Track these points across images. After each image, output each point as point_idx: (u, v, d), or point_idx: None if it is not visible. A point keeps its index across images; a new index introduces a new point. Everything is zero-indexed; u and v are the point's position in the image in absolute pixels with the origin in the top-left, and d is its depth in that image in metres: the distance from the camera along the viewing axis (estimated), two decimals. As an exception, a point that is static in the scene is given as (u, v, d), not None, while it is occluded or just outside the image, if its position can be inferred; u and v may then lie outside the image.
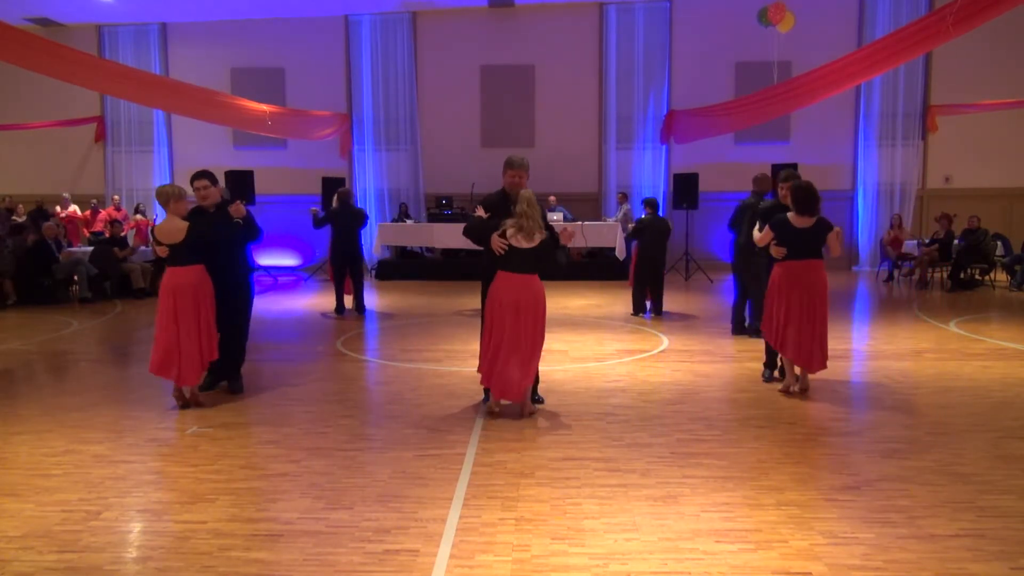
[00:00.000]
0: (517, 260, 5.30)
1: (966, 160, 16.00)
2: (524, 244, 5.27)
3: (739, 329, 8.50)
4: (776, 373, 6.48)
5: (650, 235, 9.98)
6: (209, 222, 5.79)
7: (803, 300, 5.85)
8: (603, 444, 4.78)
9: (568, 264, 5.63)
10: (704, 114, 15.20)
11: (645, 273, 10.06)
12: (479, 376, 5.52)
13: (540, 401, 5.69)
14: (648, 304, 10.16)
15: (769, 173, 7.71)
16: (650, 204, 10.25)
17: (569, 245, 5.56)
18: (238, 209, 5.92)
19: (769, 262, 6.19)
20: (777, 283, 5.96)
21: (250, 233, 6.08)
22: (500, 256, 5.29)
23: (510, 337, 5.24)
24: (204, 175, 5.96)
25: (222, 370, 6.13)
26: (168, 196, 5.63)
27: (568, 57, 16.44)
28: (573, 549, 3.35)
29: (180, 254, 5.62)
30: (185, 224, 5.61)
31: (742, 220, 8.11)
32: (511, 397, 5.33)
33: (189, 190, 5.97)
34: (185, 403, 5.68)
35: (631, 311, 10.20)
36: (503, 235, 5.26)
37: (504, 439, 4.89)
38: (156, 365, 5.59)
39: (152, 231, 5.72)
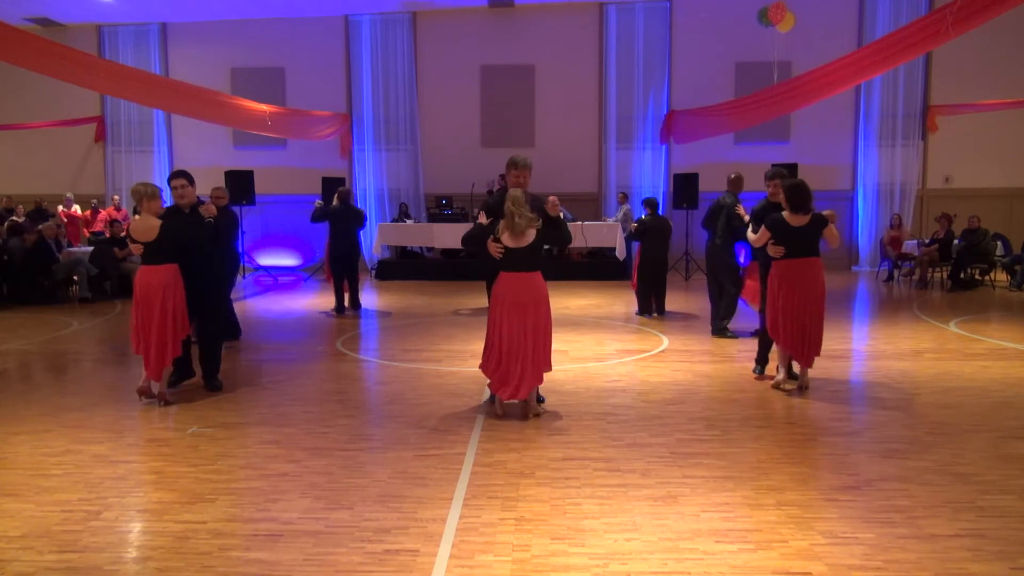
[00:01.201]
0: (515, 259, 5.31)
1: (966, 160, 15.99)
2: (518, 243, 5.29)
3: (716, 329, 8.59)
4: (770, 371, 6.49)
5: (652, 235, 9.97)
6: (183, 222, 5.86)
7: (801, 298, 5.87)
8: (603, 444, 4.78)
9: (568, 240, 5.61)
10: (704, 114, 15.19)
11: (648, 274, 10.03)
12: (482, 374, 5.52)
13: (541, 400, 5.69)
14: (653, 304, 10.14)
15: (768, 173, 7.74)
16: (650, 204, 10.23)
17: (555, 213, 5.50)
18: (208, 208, 5.97)
19: (765, 262, 6.22)
20: (777, 282, 5.97)
21: (226, 234, 6.15)
22: (500, 257, 5.32)
23: (516, 336, 5.25)
24: (182, 174, 6.01)
25: (203, 369, 6.27)
26: (141, 195, 5.71)
27: (568, 57, 16.43)
28: (573, 549, 3.35)
29: (153, 252, 5.71)
30: (157, 223, 5.69)
31: (716, 219, 8.17)
32: (519, 396, 5.33)
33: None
34: (151, 400, 5.76)
35: (636, 311, 10.19)
36: (497, 239, 5.29)
37: (504, 439, 4.89)
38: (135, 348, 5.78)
39: (128, 229, 5.78)
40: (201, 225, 5.92)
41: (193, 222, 5.91)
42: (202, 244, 5.96)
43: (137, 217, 5.86)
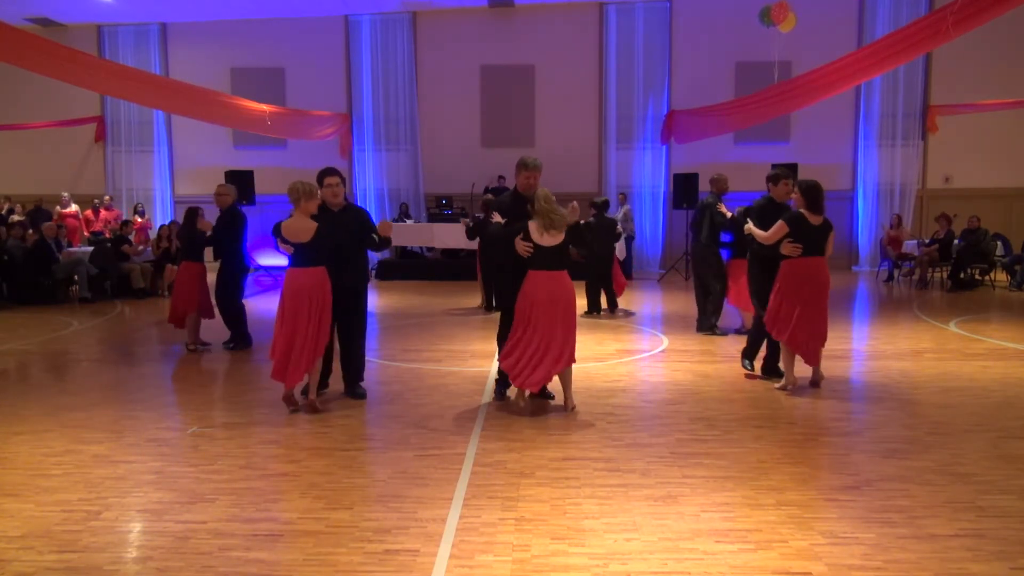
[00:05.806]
0: (546, 258, 5.36)
1: (966, 160, 16.00)
2: (549, 241, 5.34)
3: (704, 326, 8.68)
4: (759, 365, 6.55)
5: (595, 235, 10.16)
6: (335, 223, 5.53)
7: (812, 297, 5.91)
8: (603, 444, 4.78)
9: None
10: (704, 114, 15.19)
11: (594, 272, 10.27)
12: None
13: (550, 397, 5.73)
14: (604, 302, 10.37)
15: (770, 172, 7.72)
16: (597, 206, 10.53)
17: (574, 219, 5.55)
18: (386, 227, 5.75)
19: (767, 262, 6.19)
20: (789, 280, 5.94)
21: (381, 244, 5.82)
22: (528, 256, 5.34)
23: (546, 333, 5.30)
24: (336, 172, 5.74)
25: (345, 378, 5.97)
26: (299, 194, 5.43)
27: (568, 57, 16.43)
28: (573, 549, 3.35)
29: (304, 254, 5.44)
30: (313, 224, 5.41)
31: (702, 221, 8.27)
32: (534, 388, 5.40)
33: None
34: (296, 409, 5.52)
35: (584, 312, 10.31)
36: (526, 237, 5.33)
37: (504, 439, 4.89)
38: (277, 372, 5.46)
39: (279, 229, 5.48)
40: (354, 228, 5.64)
41: (344, 223, 5.62)
42: (352, 247, 5.71)
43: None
